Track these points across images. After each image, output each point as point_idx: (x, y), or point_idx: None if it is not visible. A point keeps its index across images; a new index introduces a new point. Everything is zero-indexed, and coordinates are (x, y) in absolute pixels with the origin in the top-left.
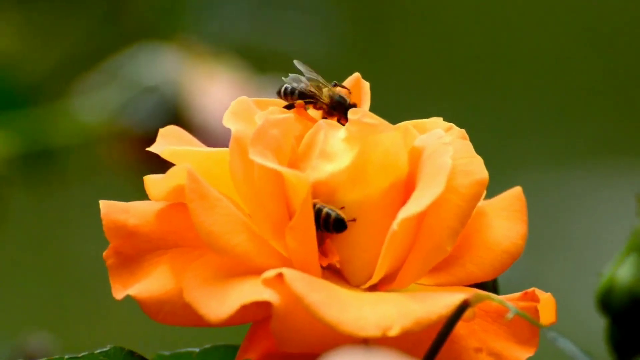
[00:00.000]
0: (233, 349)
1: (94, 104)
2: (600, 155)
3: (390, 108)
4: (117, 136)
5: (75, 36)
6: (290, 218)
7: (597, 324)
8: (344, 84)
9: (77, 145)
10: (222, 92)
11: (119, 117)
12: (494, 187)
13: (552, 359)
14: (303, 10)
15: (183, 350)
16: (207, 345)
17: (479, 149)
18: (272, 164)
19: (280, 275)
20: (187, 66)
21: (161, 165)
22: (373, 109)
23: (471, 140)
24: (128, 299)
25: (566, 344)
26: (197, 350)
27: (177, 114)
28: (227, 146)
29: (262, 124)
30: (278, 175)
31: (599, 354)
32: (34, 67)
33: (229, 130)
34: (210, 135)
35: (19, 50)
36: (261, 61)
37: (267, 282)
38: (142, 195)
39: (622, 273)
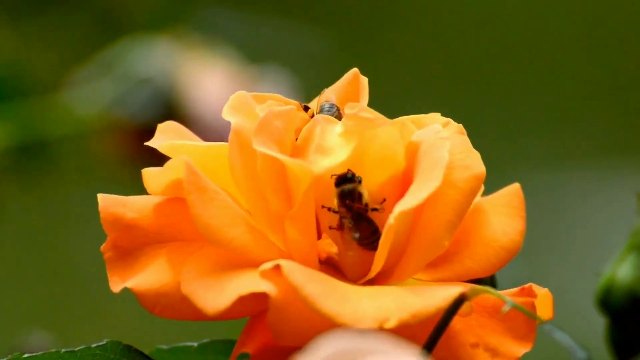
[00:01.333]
0: (231, 344)
1: (88, 96)
2: (600, 155)
3: (387, 107)
4: (111, 128)
5: (70, 28)
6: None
7: (598, 323)
8: (342, 79)
9: (71, 136)
10: (216, 83)
11: (113, 109)
12: (494, 187)
13: (548, 355)
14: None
15: (181, 344)
16: (206, 340)
17: (478, 149)
18: (276, 154)
19: (277, 267)
20: (181, 58)
21: (155, 157)
22: (370, 106)
23: (471, 140)
24: (126, 295)
25: (562, 336)
26: (195, 344)
27: (171, 106)
28: (221, 137)
29: (266, 114)
30: (280, 166)
31: (598, 353)
32: (28, 59)
33: (223, 122)
34: (204, 126)
35: (12, 41)
36: (254, 52)
37: (265, 274)
38: (137, 186)
39: (622, 273)
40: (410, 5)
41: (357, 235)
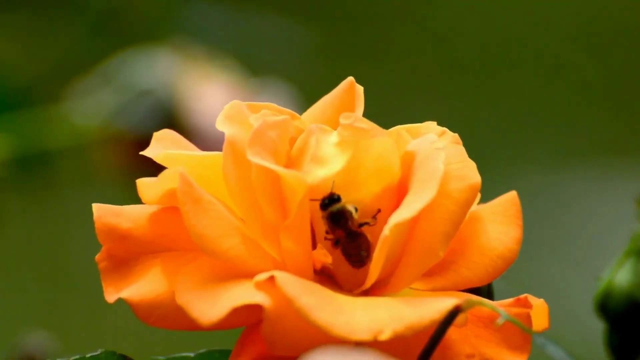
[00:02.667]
0: (228, 354)
1: (89, 107)
2: (600, 156)
3: (387, 109)
4: (111, 140)
5: (70, 39)
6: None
7: (597, 328)
8: (338, 87)
9: (71, 148)
10: (216, 95)
11: (113, 121)
12: (492, 188)
13: None
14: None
15: (178, 355)
16: (202, 350)
17: (478, 150)
18: (271, 165)
19: (272, 278)
20: (182, 69)
21: (155, 169)
22: (371, 109)
23: (470, 141)
24: (124, 301)
25: (555, 350)
26: (192, 354)
27: (171, 117)
28: (221, 149)
29: (260, 125)
30: (275, 176)
31: (598, 358)
32: (28, 70)
33: (223, 134)
34: (205, 139)
35: (13, 53)
36: (255, 63)
37: (259, 285)
38: (136, 199)
39: (621, 277)
40: (411, 6)
41: (350, 254)
